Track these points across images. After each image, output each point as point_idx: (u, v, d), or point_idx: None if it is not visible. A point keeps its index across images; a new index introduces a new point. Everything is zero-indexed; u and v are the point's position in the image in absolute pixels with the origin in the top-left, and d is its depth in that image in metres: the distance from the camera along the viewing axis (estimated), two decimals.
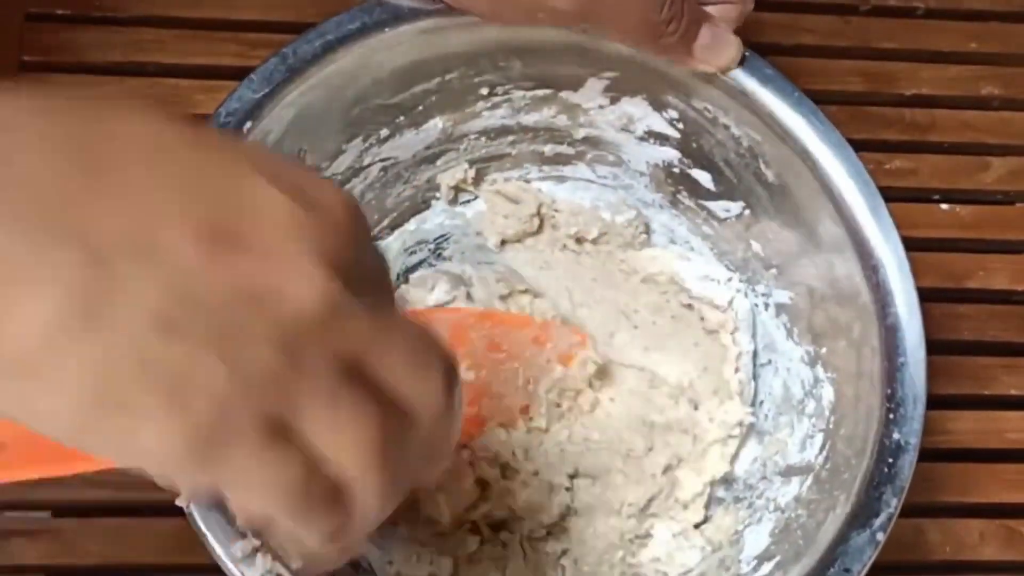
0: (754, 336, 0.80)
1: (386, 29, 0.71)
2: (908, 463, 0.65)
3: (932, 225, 0.90)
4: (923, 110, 0.93)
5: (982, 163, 0.92)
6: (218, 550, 0.59)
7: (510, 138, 0.82)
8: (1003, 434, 0.84)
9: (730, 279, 0.81)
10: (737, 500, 0.76)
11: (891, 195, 0.71)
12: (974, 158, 0.93)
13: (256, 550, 0.59)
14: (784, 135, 0.73)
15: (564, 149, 0.83)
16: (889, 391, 0.66)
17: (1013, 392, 0.86)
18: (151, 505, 0.75)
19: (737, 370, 0.79)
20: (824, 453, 0.71)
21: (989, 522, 0.81)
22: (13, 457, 0.54)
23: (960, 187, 0.91)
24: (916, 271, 0.69)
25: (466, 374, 0.70)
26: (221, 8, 0.89)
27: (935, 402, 0.81)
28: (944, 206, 0.91)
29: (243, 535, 0.59)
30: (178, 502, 0.59)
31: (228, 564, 0.58)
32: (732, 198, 0.79)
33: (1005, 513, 0.82)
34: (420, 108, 0.77)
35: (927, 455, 0.80)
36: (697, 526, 0.76)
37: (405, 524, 0.74)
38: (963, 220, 0.91)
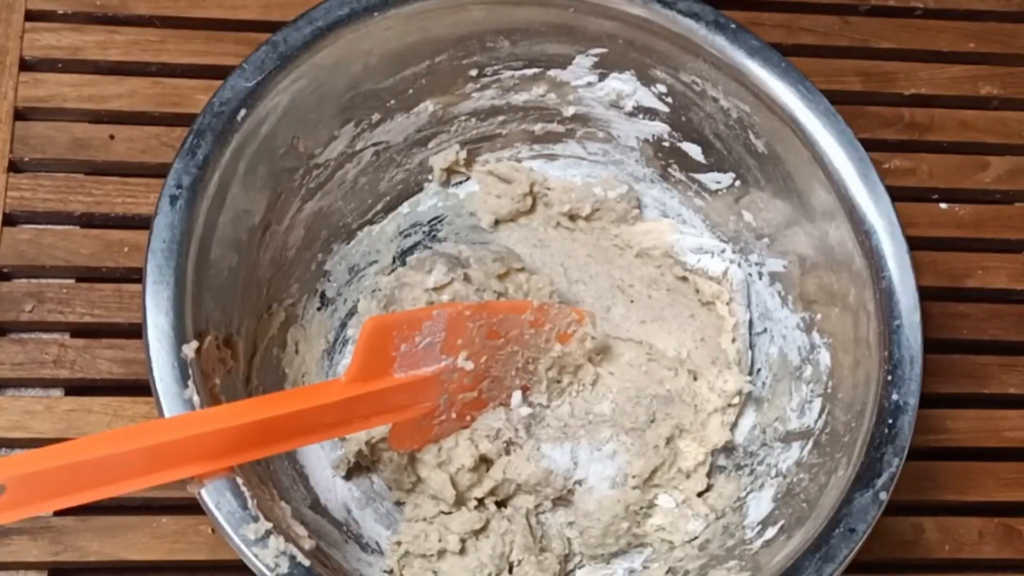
0: (749, 305, 0.81)
1: (375, 14, 0.72)
2: (908, 423, 0.65)
3: (931, 224, 0.90)
4: (922, 110, 0.94)
5: (981, 163, 0.93)
6: (231, 534, 0.59)
7: (500, 118, 0.82)
8: (1002, 433, 0.85)
9: (723, 250, 0.82)
10: (739, 467, 0.77)
11: (890, 194, 0.71)
12: (973, 158, 0.93)
13: (269, 532, 0.59)
14: (772, 105, 0.73)
15: (554, 127, 0.83)
16: (886, 353, 0.67)
17: (1012, 391, 0.86)
18: (151, 503, 0.76)
19: (734, 340, 0.80)
20: (823, 417, 0.72)
21: (988, 520, 0.82)
22: (12, 498, 0.54)
23: (959, 186, 0.92)
24: (915, 270, 0.69)
25: (465, 363, 0.70)
26: (221, 8, 0.89)
27: (934, 401, 0.82)
28: (943, 205, 0.91)
29: (255, 518, 0.59)
30: (189, 488, 0.60)
31: (241, 547, 0.59)
32: (722, 170, 0.80)
33: (1004, 511, 0.83)
34: (410, 92, 0.77)
35: (926, 454, 0.82)
36: (700, 494, 0.76)
37: (411, 503, 0.74)
38: (962, 219, 0.91)
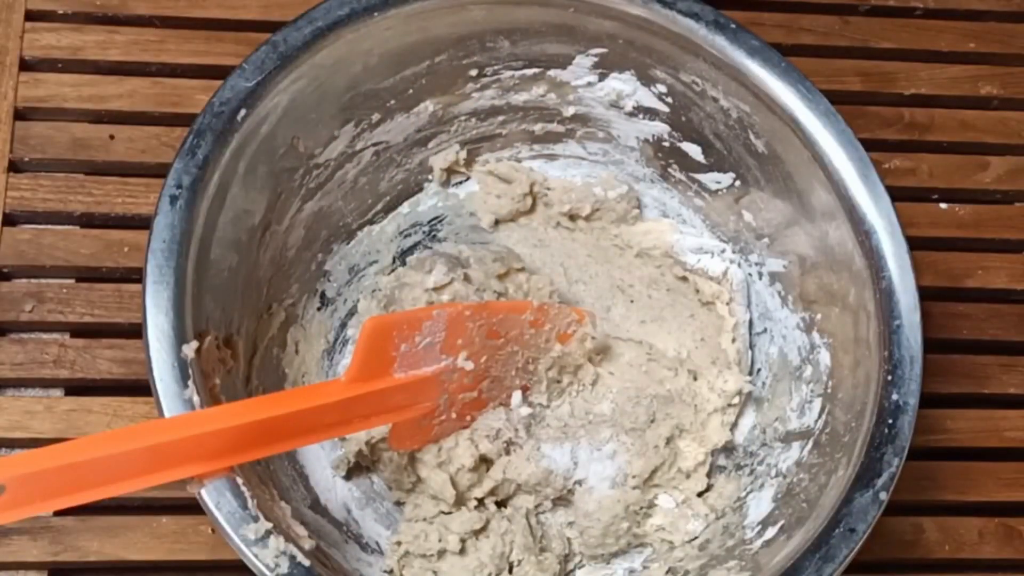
0: (749, 305, 0.81)
1: (375, 14, 0.72)
2: (908, 423, 0.65)
3: (931, 224, 0.90)
4: (922, 110, 0.94)
5: (981, 162, 0.93)
6: (231, 534, 0.59)
7: (500, 118, 0.82)
8: (1001, 433, 0.85)
9: (723, 250, 0.82)
10: (739, 467, 0.77)
11: (890, 194, 0.71)
12: (973, 157, 0.93)
13: (269, 532, 0.59)
14: (772, 105, 0.73)
15: (554, 127, 0.83)
16: (886, 353, 0.67)
17: (1011, 391, 0.86)
18: (151, 503, 0.76)
19: (734, 340, 0.80)
20: (823, 417, 0.72)
21: (988, 520, 0.82)
22: (12, 498, 0.54)
23: (959, 186, 0.92)
24: (915, 270, 0.69)
25: (465, 363, 0.70)
26: (221, 8, 0.89)
27: (934, 401, 0.83)
28: (943, 205, 0.91)
29: (255, 518, 0.59)
30: (189, 488, 0.59)
31: (241, 547, 0.59)
32: (722, 169, 0.80)
33: (1004, 511, 0.83)
34: (410, 92, 0.77)
35: (926, 454, 0.82)
36: (700, 495, 0.76)
37: (411, 503, 0.74)
38: (962, 219, 0.91)
